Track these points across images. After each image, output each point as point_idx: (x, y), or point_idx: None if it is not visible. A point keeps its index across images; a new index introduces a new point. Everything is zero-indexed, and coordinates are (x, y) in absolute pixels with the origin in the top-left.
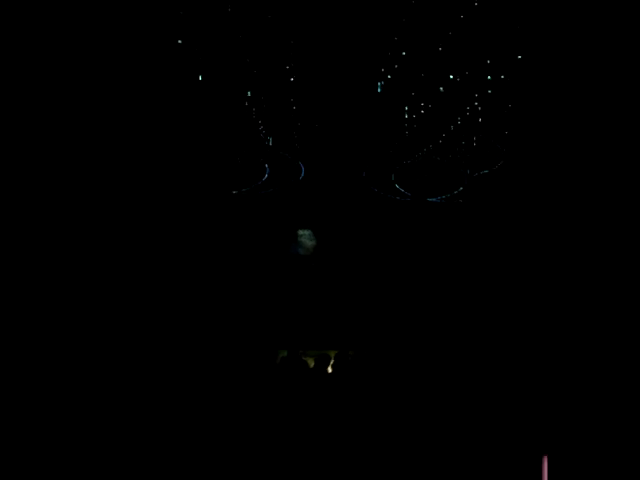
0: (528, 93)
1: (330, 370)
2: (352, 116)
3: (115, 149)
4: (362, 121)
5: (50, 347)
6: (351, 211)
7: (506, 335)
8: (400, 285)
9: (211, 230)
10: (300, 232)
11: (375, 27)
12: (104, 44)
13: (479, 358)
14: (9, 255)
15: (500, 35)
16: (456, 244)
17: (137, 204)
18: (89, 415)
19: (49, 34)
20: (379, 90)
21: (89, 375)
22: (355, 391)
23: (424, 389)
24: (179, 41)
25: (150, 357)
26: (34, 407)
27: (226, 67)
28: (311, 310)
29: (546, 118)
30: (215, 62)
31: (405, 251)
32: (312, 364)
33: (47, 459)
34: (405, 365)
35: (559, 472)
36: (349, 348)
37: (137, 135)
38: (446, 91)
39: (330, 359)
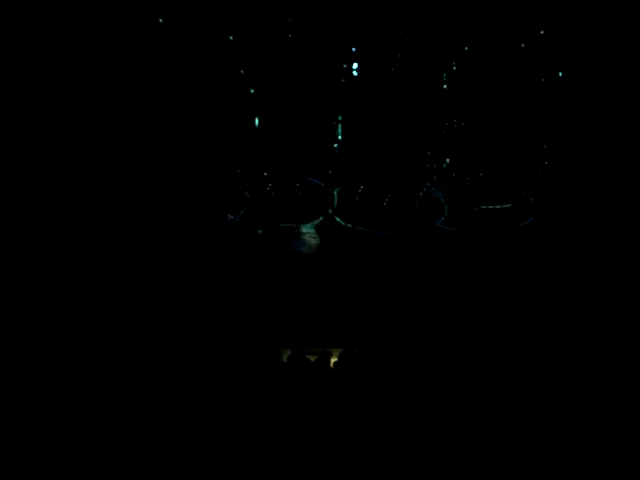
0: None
1: (332, 367)
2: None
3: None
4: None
5: (49, 348)
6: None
7: (507, 336)
8: (404, 285)
9: (215, 230)
10: (303, 230)
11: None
12: (100, 63)
13: (482, 359)
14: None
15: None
16: (458, 248)
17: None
18: (89, 415)
19: (50, 35)
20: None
21: (89, 375)
22: (359, 389)
23: (428, 389)
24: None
25: (155, 355)
26: (34, 407)
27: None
28: (315, 308)
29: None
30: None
31: (408, 252)
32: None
33: (47, 459)
34: (409, 365)
35: (559, 472)
36: (354, 346)
37: (136, 148)
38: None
39: (331, 357)
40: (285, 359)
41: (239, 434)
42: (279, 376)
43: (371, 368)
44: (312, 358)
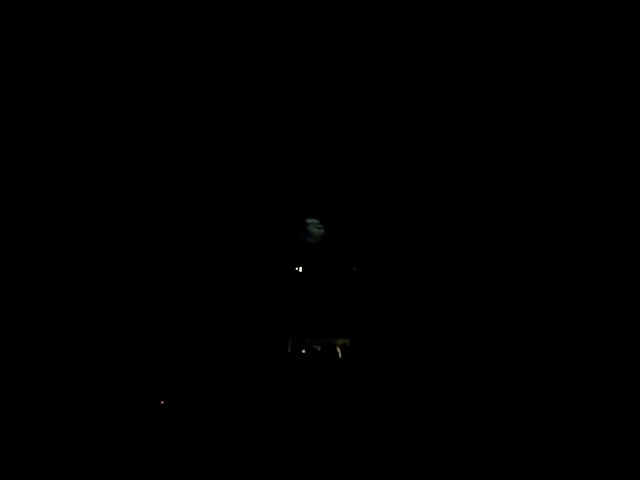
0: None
1: (338, 357)
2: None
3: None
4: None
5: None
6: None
7: (511, 331)
8: (412, 276)
9: (218, 219)
10: (308, 221)
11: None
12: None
13: (488, 354)
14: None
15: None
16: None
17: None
18: (89, 414)
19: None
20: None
21: (89, 374)
22: (366, 381)
23: (434, 383)
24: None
25: (158, 346)
26: (34, 407)
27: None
28: (320, 298)
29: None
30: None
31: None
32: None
33: (47, 459)
34: (415, 357)
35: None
36: (361, 337)
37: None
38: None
39: (336, 347)
40: (290, 349)
41: (245, 426)
42: (285, 366)
43: (376, 359)
44: (317, 349)
